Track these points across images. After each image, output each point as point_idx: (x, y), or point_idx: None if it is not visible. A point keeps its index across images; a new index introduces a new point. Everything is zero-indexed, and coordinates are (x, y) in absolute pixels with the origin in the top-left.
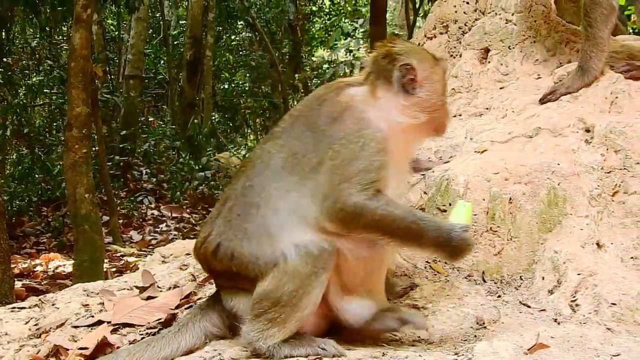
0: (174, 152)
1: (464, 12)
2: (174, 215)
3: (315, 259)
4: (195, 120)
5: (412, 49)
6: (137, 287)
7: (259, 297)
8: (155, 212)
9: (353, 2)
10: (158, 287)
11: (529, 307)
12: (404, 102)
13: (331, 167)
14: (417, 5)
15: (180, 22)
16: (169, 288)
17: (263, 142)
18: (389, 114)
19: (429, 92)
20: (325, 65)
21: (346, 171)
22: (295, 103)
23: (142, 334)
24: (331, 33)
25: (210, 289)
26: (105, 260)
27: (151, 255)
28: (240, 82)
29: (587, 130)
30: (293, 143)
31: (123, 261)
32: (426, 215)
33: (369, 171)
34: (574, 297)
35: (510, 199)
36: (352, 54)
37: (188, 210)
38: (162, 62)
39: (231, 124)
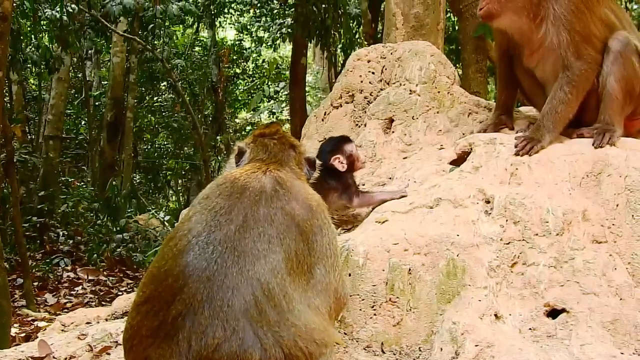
0: (92, 214)
1: (370, 82)
2: (90, 278)
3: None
4: (115, 182)
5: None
6: (32, 358)
7: None
8: (72, 275)
9: (276, 65)
10: (54, 357)
11: None
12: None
13: (329, 266)
14: (340, 69)
15: (102, 82)
16: (66, 359)
17: (243, 233)
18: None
19: None
20: (248, 127)
21: (337, 268)
22: (218, 165)
23: None
24: (254, 95)
25: (108, 359)
26: (15, 325)
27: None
28: (162, 143)
29: (487, 202)
30: (289, 243)
31: (34, 326)
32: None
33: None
34: None
35: (410, 269)
36: (274, 116)
37: (105, 273)
38: (83, 122)
39: (152, 185)
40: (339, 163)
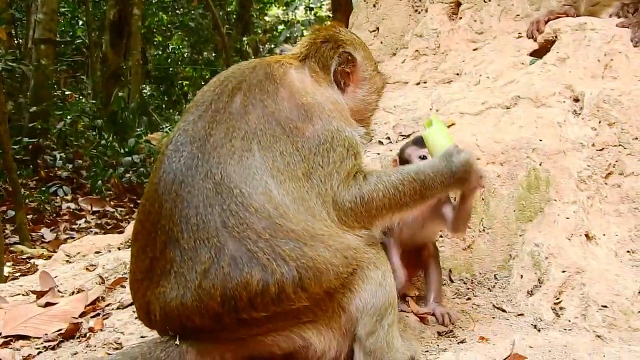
0: (94, 133)
1: None
2: (94, 209)
3: (381, 250)
4: (121, 94)
5: (359, 42)
6: (33, 292)
7: (367, 306)
8: (72, 206)
9: None
10: (59, 291)
11: (504, 311)
12: (336, 94)
13: (325, 175)
14: None
15: None
16: (72, 293)
17: (209, 130)
18: (342, 109)
19: (361, 97)
20: (281, 26)
21: (337, 175)
22: None
23: (38, 348)
24: None
25: (123, 293)
26: (8, 264)
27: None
28: (177, 47)
29: (576, 100)
30: (269, 141)
31: (30, 264)
32: (414, 165)
33: (351, 164)
34: (558, 299)
35: None
36: (312, 12)
37: (112, 203)
38: (80, 22)
39: (166, 98)
40: None
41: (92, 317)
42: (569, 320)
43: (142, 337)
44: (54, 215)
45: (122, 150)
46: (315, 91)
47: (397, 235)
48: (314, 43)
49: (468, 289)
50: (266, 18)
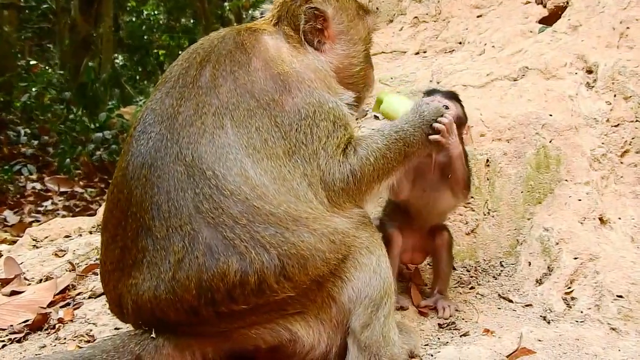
0: (62, 106)
1: None
2: (62, 189)
3: (376, 233)
4: (91, 64)
5: None
6: None
7: (361, 296)
8: (38, 186)
9: None
10: (25, 279)
11: (510, 301)
12: (316, 59)
13: (310, 153)
14: None
15: None
16: (40, 280)
17: (178, 107)
18: (324, 76)
19: (343, 52)
20: None
21: (324, 153)
22: None
23: (3, 341)
24: None
25: (95, 280)
26: None
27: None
28: (152, 13)
29: (589, 71)
30: (242, 116)
31: None
32: (389, 124)
33: (339, 137)
34: (569, 288)
35: (488, 160)
36: None
37: (81, 183)
38: None
39: (140, 69)
40: None
41: (61, 307)
42: (581, 312)
43: (116, 328)
44: (18, 196)
45: (92, 126)
46: (293, 59)
47: (410, 208)
48: (284, 2)
49: (471, 277)
50: None
